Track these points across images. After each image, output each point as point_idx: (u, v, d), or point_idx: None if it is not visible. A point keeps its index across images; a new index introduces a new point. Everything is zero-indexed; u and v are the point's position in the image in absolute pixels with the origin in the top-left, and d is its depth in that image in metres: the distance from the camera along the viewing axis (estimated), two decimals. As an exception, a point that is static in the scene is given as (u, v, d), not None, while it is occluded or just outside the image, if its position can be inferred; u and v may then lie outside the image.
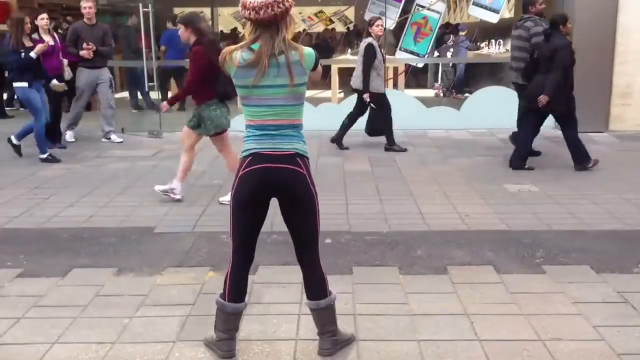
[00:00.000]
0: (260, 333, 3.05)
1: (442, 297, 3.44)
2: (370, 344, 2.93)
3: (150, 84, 8.90)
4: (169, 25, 11.04)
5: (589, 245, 4.24)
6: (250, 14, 2.50)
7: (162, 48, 10.80)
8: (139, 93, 10.77)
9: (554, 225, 4.67)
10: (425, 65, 12.01)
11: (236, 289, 2.77)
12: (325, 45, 17.43)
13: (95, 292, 3.55)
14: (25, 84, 6.84)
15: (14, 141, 7.22)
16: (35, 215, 5.05)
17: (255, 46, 2.55)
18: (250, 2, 2.49)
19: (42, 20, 7.45)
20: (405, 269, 3.85)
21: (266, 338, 3.00)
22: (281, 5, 2.49)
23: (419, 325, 3.11)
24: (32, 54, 6.74)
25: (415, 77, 12.95)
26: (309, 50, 2.63)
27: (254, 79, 2.55)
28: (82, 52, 7.77)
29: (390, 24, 9.61)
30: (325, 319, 2.82)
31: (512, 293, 3.48)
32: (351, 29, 17.84)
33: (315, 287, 2.79)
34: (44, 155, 7.02)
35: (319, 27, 18.90)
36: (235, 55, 2.57)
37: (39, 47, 6.79)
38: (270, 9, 2.48)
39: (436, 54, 12.10)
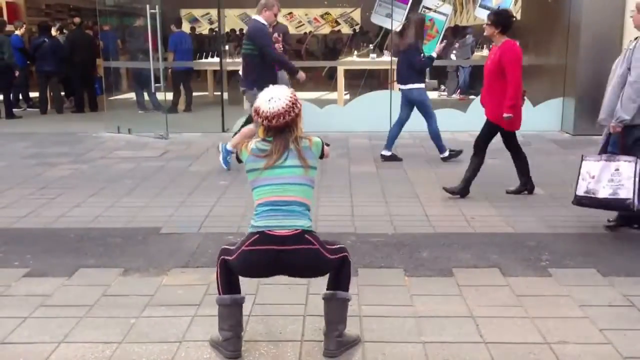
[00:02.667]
0: (266, 334, 3.06)
1: (448, 299, 3.44)
2: (375, 346, 2.93)
3: (157, 85, 8.92)
4: (174, 28, 11.09)
5: (595, 248, 4.23)
6: (263, 122, 2.70)
7: (170, 54, 10.79)
8: (145, 94, 10.82)
9: (560, 228, 4.66)
10: (431, 67, 11.99)
11: (228, 282, 2.83)
12: (332, 46, 17.47)
13: (102, 292, 3.56)
14: (422, 85, 6.98)
15: (386, 153, 7.16)
16: (42, 216, 5.07)
17: (270, 138, 2.73)
18: (263, 111, 2.69)
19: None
20: (411, 271, 3.85)
21: (272, 339, 3.01)
22: (292, 113, 2.70)
23: (424, 327, 3.11)
24: (434, 54, 6.93)
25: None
26: (317, 140, 2.83)
27: (265, 165, 2.70)
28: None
29: (397, 25, 9.60)
30: (336, 313, 2.84)
31: (518, 296, 3.47)
32: (357, 30, 17.84)
33: (338, 279, 2.85)
34: (446, 154, 7.07)
35: (325, 29, 18.93)
36: (250, 145, 2.76)
37: (440, 46, 6.96)
38: (282, 118, 2.68)
39: (453, 57, 12.08)
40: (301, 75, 6.76)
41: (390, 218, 4.94)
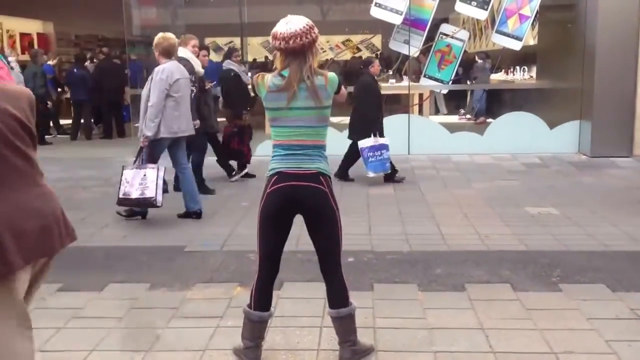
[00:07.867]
0: (285, 343, 3.23)
1: (459, 312, 3.57)
2: (388, 355, 3.08)
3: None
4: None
5: (606, 265, 4.33)
6: (280, 44, 2.78)
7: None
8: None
9: (572, 246, 4.76)
10: (449, 92, 12.18)
11: (261, 298, 2.96)
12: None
13: (130, 305, 3.77)
14: None
15: None
16: (73, 235, 5.32)
17: (285, 72, 2.82)
18: (280, 33, 2.79)
19: None
20: (424, 286, 3.99)
21: (290, 348, 3.17)
22: (308, 36, 2.79)
23: (436, 338, 3.25)
24: None
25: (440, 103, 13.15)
26: (332, 75, 2.90)
27: (286, 102, 2.80)
28: None
29: (414, 51, 9.83)
30: (345, 327, 2.98)
31: (527, 309, 3.59)
32: (378, 56, 18.13)
33: (337, 296, 2.97)
34: None
35: (347, 55, 19.26)
36: (267, 80, 2.85)
37: None
38: (298, 39, 2.77)
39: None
40: None
41: (406, 237, 5.09)
